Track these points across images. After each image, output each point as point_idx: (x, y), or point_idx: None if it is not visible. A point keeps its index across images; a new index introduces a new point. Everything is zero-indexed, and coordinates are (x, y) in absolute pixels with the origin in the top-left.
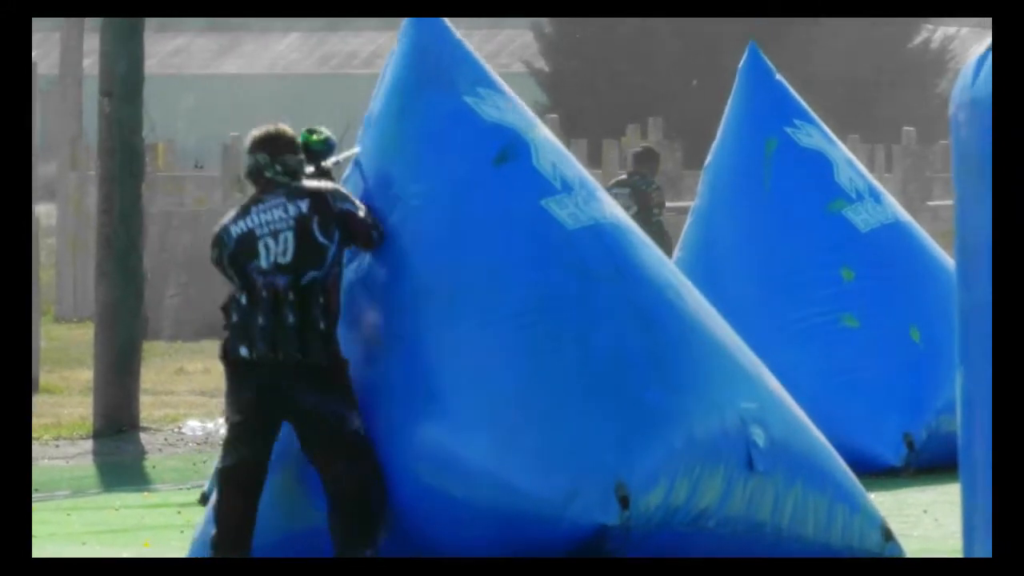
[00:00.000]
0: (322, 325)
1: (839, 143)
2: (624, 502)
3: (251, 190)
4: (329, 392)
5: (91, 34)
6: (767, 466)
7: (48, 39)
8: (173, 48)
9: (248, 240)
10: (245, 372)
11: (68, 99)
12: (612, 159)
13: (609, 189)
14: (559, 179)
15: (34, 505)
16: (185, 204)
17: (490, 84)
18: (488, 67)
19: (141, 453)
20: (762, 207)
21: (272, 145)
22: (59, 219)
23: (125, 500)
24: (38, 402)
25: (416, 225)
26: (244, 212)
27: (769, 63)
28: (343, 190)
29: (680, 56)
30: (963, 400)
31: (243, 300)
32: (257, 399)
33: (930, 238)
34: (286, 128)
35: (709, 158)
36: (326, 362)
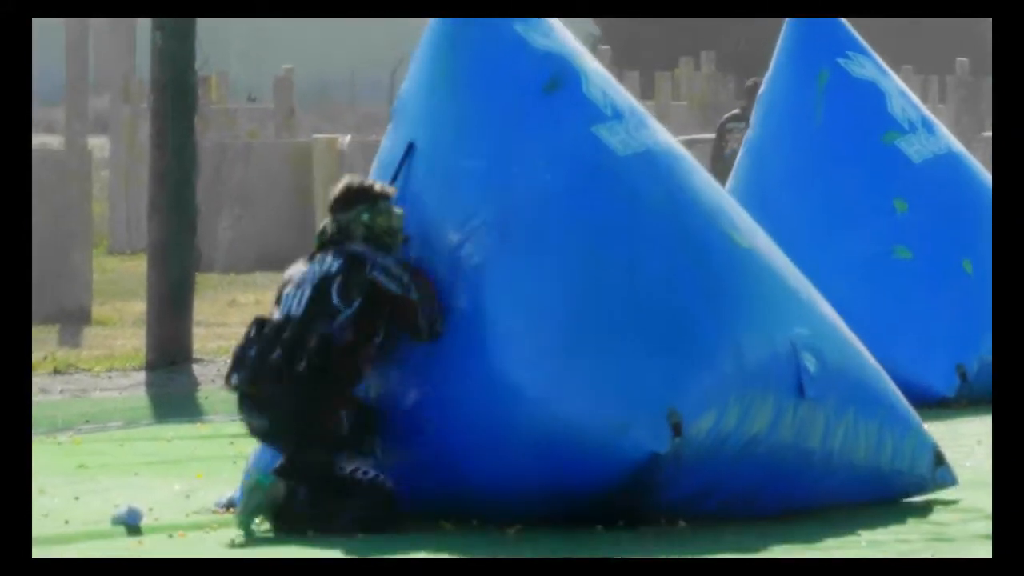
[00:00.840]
0: (313, 375)
1: (892, 74)
2: (676, 429)
3: (302, 118)
4: (312, 437)
5: None
6: (817, 392)
7: None
8: None
9: (283, 285)
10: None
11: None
12: (664, 90)
13: (724, 123)
14: (609, 106)
15: (87, 436)
16: (238, 137)
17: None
18: None
19: (194, 385)
20: (815, 139)
21: (334, 203)
22: (112, 152)
23: (177, 431)
24: (90, 334)
25: (468, 152)
26: (306, 260)
27: None
28: (397, 269)
29: None
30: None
31: (251, 332)
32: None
33: (983, 169)
34: (350, 181)
35: (762, 90)
36: (298, 408)
